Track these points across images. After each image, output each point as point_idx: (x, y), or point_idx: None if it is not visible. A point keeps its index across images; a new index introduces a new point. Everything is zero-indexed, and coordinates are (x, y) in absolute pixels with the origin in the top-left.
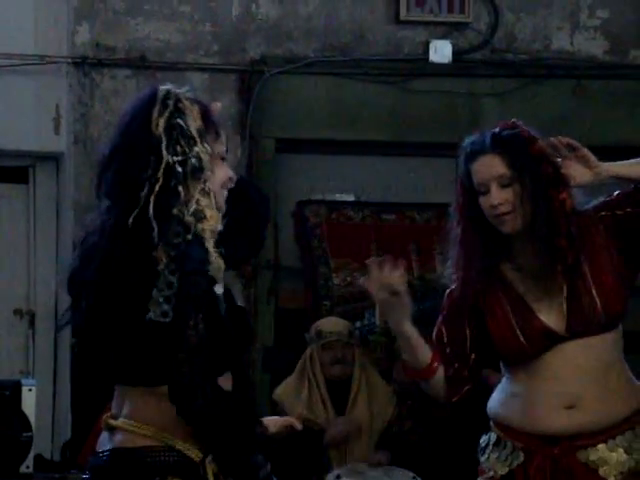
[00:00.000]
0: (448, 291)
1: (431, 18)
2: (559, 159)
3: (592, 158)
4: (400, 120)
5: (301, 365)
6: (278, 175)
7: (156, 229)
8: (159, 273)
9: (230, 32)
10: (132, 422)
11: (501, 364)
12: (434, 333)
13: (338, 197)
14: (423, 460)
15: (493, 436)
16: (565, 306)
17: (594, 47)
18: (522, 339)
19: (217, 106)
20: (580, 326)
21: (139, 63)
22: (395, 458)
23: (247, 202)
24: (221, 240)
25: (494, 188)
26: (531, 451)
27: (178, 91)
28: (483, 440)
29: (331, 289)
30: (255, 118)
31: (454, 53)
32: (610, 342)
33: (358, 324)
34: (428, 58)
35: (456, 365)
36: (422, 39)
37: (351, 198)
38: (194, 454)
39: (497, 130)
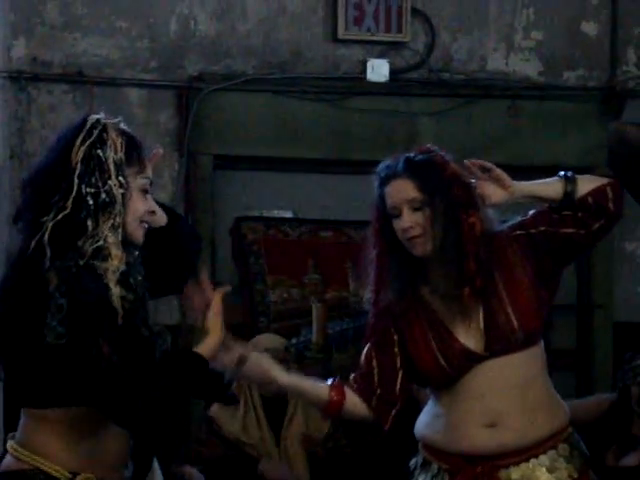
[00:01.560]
0: (371, 314)
1: (368, 37)
2: (474, 181)
3: (506, 178)
4: (337, 138)
5: (236, 383)
6: (216, 191)
7: (49, 254)
8: (50, 295)
9: (168, 48)
10: (13, 445)
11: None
12: (363, 356)
13: (276, 214)
14: (359, 472)
15: (420, 458)
16: (482, 326)
17: (528, 68)
18: (442, 362)
19: (159, 152)
20: (498, 345)
21: (76, 78)
22: (333, 472)
23: (176, 236)
24: (147, 271)
25: (405, 211)
26: (455, 472)
27: (108, 121)
28: (412, 463)
29: (268, 306)
30: (193, 134)
31: (391, 72)
32: (530, 358)
33: (294, 340)
34: (365, 77)
35: (379, 391)
36: (359, 58)
37: (289, 215)
38: (61, 474)
39: (411, 155)
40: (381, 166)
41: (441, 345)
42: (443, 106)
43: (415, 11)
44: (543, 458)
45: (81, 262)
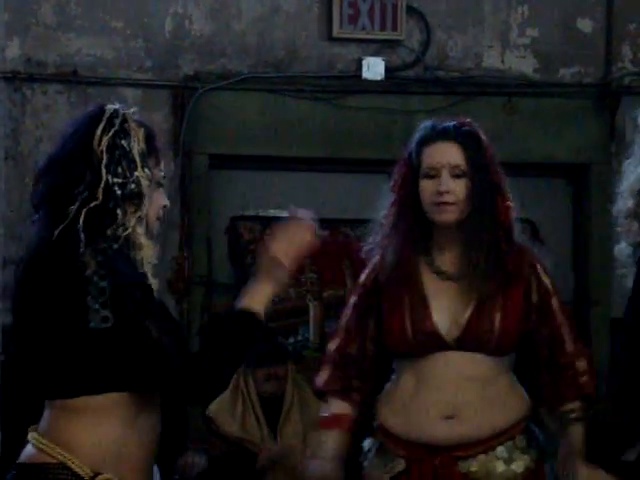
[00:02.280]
0: (361, 281)
1: (364, 35)
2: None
3: None
4: (333, 136)
5: (235, 381)
6: (211, 191)
7: (84, 239)
8: (88, 280)
9: (163, 48)
10: (37, 436)
11: (393, 365)
12: (343, 323)
13: (272, 213)
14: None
15: (376, 441)
16: (465, 319)
17: (524, 65)
18: (409, 334)
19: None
20: (471, 343)
21: (71, 78)
22: None
23: None
24: None
25: (445, 175)
26: (413, 460)
27: (126, 111)
28: (367, 444)
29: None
30: (188, 134)
31: (387, 70)
32: (496, 363)
33: (292, 340)
34: (361, 75)
35: (356, 384)
36: (355, 56)
37: (285, 214)
38: (84, 472)
39: (457, 123)
40: (424, 125)
41: (414, 319)
42: (439, 104)
43: (410, 9)
44: (500, 450)
45: (115, 246)
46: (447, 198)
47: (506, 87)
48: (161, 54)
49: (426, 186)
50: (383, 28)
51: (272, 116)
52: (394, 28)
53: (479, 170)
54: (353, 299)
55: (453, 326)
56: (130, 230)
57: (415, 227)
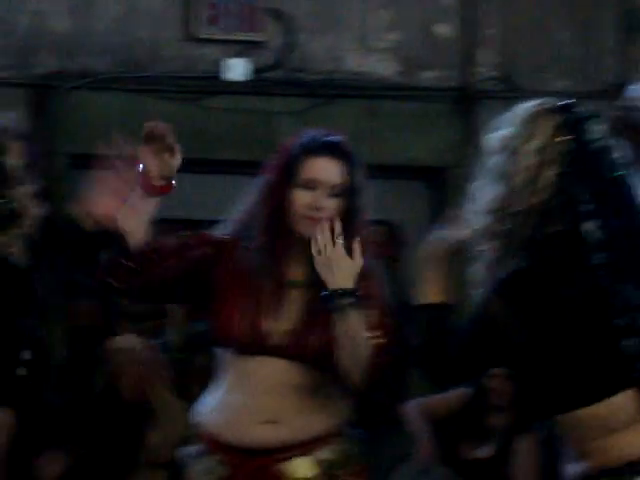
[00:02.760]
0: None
1: (226, 36)
2: None
3: None
4: (196, 137)
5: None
6: (72, 191)
7: None
8: None
9: (21, 46)
10: None
11: (219, 360)
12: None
13: None
14: None
15: (197, 446)
16: (294, 329)
17: (385, 68)
18: (241, 331)
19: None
20: (294, 352)
21: None
22: None
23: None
24: None
25: (323, 191)
26: (235, 464)
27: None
28: (187, 450)
29: (127, 306)
30: (48, 134)
31: (249, 71)
32: (317, 377)
33: (155, 342)
34: (223, 76)
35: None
36: (217, 57)
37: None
38: None
39: (341, 140)
40: (311, 135)
41: (248, 317)
42: (301, 106)
43: (272, 11)
44: (318, 454)
45: None
46: (320, 214)
47: (367, 90)
48: (19, 52)
49: (301, 197)
50: (245, 29)
51: (133, 116)
52: (256, 29)
53: (352, 193)
54: (197, 236)
55: (282, 333)
56: (14, 250)
57: (279, 232)
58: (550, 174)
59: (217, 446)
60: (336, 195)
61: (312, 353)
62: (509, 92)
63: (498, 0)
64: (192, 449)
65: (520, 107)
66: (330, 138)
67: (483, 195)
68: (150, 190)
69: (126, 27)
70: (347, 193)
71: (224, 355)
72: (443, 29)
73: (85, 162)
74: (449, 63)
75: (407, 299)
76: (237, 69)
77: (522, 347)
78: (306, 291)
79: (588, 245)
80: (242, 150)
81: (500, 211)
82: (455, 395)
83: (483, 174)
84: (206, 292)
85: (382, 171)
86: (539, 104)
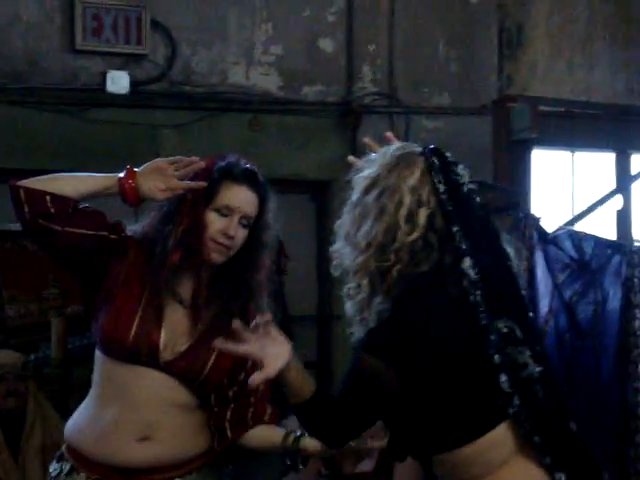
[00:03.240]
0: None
1: (108, 48)
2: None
3: None
4: (77, 150)
5: None
6: None
7: None
8: None
9: None
10: None
11: (95, 370)
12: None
13: (12, 227)
14: None
15: (66, 464)
16: (184, 348)
17: (268, 82)
18: (131, 336)
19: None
20: (179, 371)
21: None
22: None
23: None
24: None
25: (236, 220)
26: None
27: None
28: (54, 469)
29: (4, 321)
30: None
31: (132, 84)
32: (198, 399)
33: (33, 356)
34: (105, 88)
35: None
36: (99, 69)
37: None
38: None
39: (261, 175)
40: (233, 160)
41: (142, 328)
42: (185, 119)
43: (155, 23)
44: (195, 475)
45: None
46: (230, 243)
47: (251, 104)
48: None
49: (214, 220)
50: (128, 42)
51: (13, 128)
52: (139, 42)
53: (261, 227)
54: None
55: (171, 350)
56: None
57: (189, 251)
58: (425, 212)
59: (86, 464)
60: (246, 225)
61: (202, 376)
62: (391, 107)
63: (381, 16)
64: (59, 466)
65: (388, 149)
66: (251, 167)
67: (353, 232)
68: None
69: (3, 37)
70: (256, 227)
71: (101, 362)
72: (326, 44)
73: None
74: (332, 78)
75: (291, 313)
76: (120, 81)
77: (399, 397)
78: (198, 311)
79: (468, 282)
80: (125, 163)
81: (379, 247)
82: None
83: (352, 211)
84: (96, 278)
85: (269, 184)
86: (407, 146)
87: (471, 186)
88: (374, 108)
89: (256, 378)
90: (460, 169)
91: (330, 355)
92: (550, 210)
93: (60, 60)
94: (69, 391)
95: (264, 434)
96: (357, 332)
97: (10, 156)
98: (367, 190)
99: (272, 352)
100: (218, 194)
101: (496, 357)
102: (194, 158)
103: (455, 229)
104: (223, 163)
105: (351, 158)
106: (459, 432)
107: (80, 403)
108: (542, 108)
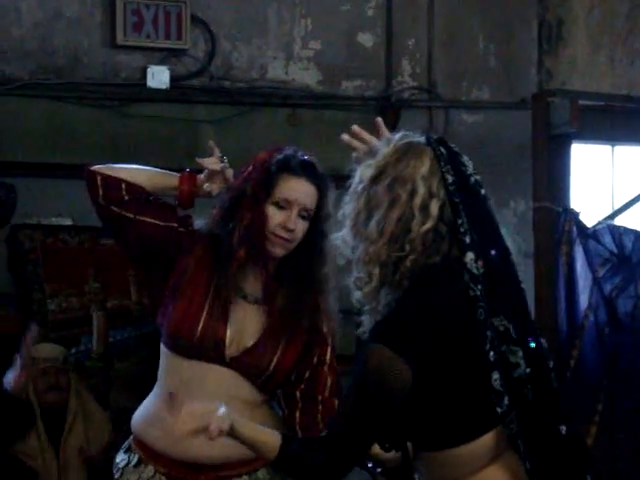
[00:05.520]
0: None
1: (148, 44)
2: None
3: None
4: (118, 145)
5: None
6: None
7: None
8: None
9: None
10: None
11: (160, 365)
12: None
13: (54, 221)
14: None
15: (134, 456)
16: (250, 344)
17: (307, 77)
18: (198, 332)
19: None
20: (245, 367)
21: None
22: None
23: None
24: None
25: (295, 213)
26: (175, 477)
27: None
28: (121, 459)
29: (46, 315)
30: None
31: (172, 79)
32: (263, 394)
33: (74, 350)
34: (146, 83)
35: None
36: (140, 64)
37: (68, 222)
38: None
39: (315, 162)
40: (290, 153)
41: (208, 323)
42: (224, 114)
43: (195, 18)
44: (263, 472)
45: None
46: (290, 236)
47: (290, 98)
48: None
49: (273, 214)
50: (168, 37)
51: (54, 123)
52: (179, 37)
53: (322, 219)
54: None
55: (236, 346)
56: None
57: (252, 246)
58: (437, 203)
59: (154, 457)
60: (306, 218)
61: (268, 372)
62: (430, 101)
63: (420, 10)
64: (126, 457)
65: (392, 139)
66: (308, 159)
67: (362, 222)
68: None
69: (46, 33)
70: (317, 217)
71: (167, 358)
72: (365, 39)
73: (5, 170)
74: (371, 73)
75: None
76: (160, 76)
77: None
78: (263, 307)
79: (469, 276)
80: (165, 158)
81: (392, 237)
82: None
83: (357, 201)
84: (163, 271)
85: None
86: (410, 135)
87: (477, 177)
88: (413, 102)
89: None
90: (465, 160)
91: None
92: (590, 204)
93: (101, 55)
94: (110, 384)
95: None
96: (365, 323)
97: (51, 151)
98: (375, 179)
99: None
100: (276, 187)
101: (491, 354)
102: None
103: (460, 221)
104: (280, 156)
105: (345, 137)
106: (459, 431)
107: (120, 396)
108: (582, 102)
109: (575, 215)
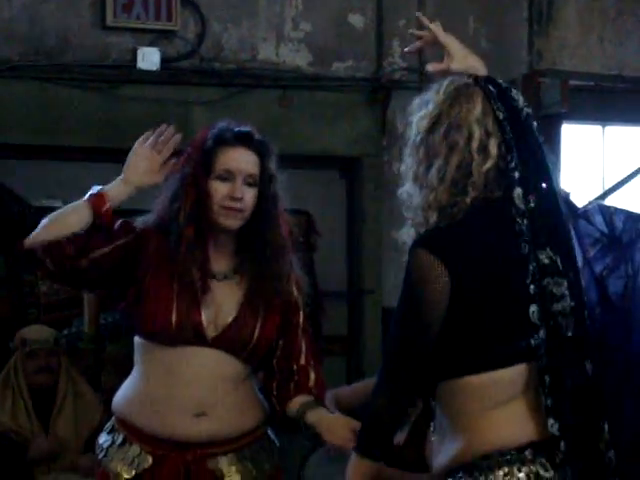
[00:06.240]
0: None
1: (138, 25)
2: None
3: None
4: (108, 126)
5: (5, 374)
6: None
7: None
8: None
9: None
10: None
11: (137, 351)
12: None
13: (45, 203)
14: None
15: (118, 436)
16: (228, 321)
17: (298, 58)
18: (173, 323)
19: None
20: (227, 344)
21: None
22: None
23: None
24: None
25: (240, 181)
26: (161, 456)
27: None
28: (104, 440)
29: (37, 297)
30: None
31: (162, 61)
32: (246, 366)
33: (65, 332)
34: (136, 65)
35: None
36: (130, 46)
37: (58, 204)
38: None
39: (252, 130)
40: (223, 126)
41: (181, 309)
42: (215, 95)
43: (185, 0)
44: (247, 451)
45: None
46: (239, 205)
47: (281, 80)
48: None
49: (218, 188)
50: (158, 18)
51: (44, 105)
52: (169, 18)
53: (269, 182)
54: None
55: (215, 325)
56: None
57: (202, 224)
58: (495, 142)
59: (140, 437)
60: (251, 184)
61: (251, 344)
62: (421, 82)
63: None
64: (110, 437)
65: (437, 85)
66: (242, 128)
67: (422, 172)
68: (107, 217)
69: (35, 14)
70: (263, 182)
71: (145, 346)
72: (356, 20)
73: None
74: (362, 54)
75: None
76: (150, 58)
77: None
78: (233, 282)
79: (516, 211)
80: None
81: (453, 182)
82: (364, 385)
83: (416, 153)
84: (127, 281)
85: (297, 161)
86: (458, 79)
87: (528, 110)
88: (404, 83)
89: None
90: (515, 93)
91: (360, 330)
92: (580, 185)
93: (91, 37)
94: (101, 366)
95: (293, 405)
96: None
97: (41, 133)
98: (431, 129)
99: None
100: (216, 161)
101: (531, 287)
102: (162, 127)
103: (510, 157)
104: (215, 130)
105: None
106: (484, 355)
107: (112, 378)
108: (572, 83)
109: (566, 195)
